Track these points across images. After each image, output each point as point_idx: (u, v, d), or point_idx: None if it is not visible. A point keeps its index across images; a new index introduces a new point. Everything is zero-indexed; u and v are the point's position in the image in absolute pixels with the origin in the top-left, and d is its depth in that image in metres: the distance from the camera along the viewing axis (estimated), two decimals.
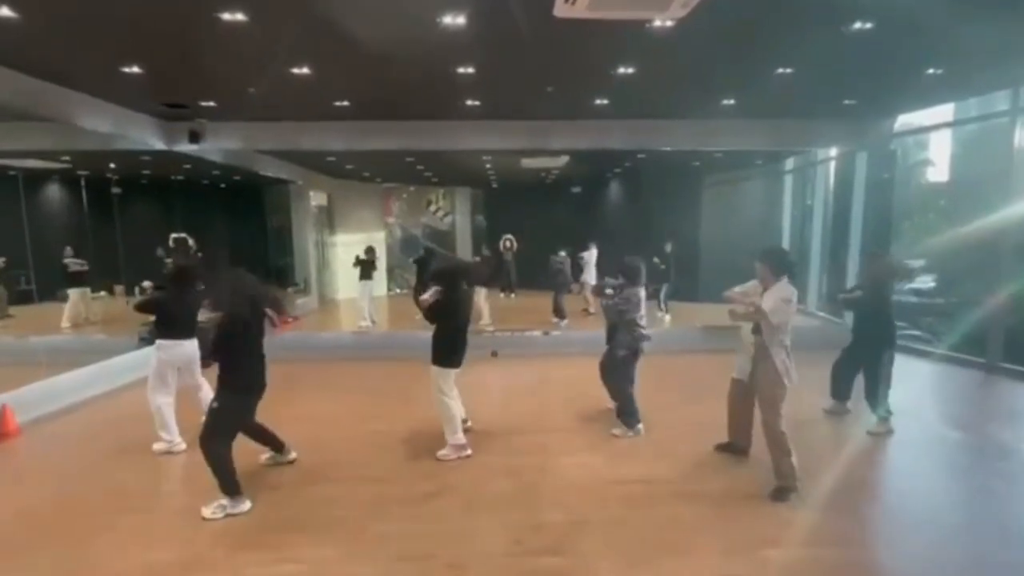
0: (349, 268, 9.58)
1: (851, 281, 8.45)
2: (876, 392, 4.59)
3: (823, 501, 3.43)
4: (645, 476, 3.79)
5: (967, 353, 6.75)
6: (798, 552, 2.90)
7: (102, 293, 11.17)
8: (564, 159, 10.15)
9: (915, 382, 6.01)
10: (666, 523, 3.19)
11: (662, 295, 9.42)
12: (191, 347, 4.41)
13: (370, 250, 9.43)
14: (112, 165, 9.90)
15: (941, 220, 12.62)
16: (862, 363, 4.74)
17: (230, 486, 3.32)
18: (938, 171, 13.70)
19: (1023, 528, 3.12)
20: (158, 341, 4.33)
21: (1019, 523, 3.18)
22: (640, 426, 4.57)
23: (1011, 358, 6.32)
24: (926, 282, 11.67)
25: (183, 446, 4.32)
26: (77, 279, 8.75)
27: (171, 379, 4.36)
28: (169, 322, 4.32)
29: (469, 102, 6.60)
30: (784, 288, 3.44)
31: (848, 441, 4.45)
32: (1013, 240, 6.45)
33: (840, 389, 4.99)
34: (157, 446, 4.31)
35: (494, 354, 7.28)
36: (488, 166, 11.35)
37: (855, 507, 3.43)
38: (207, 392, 4.51)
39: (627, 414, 4.59)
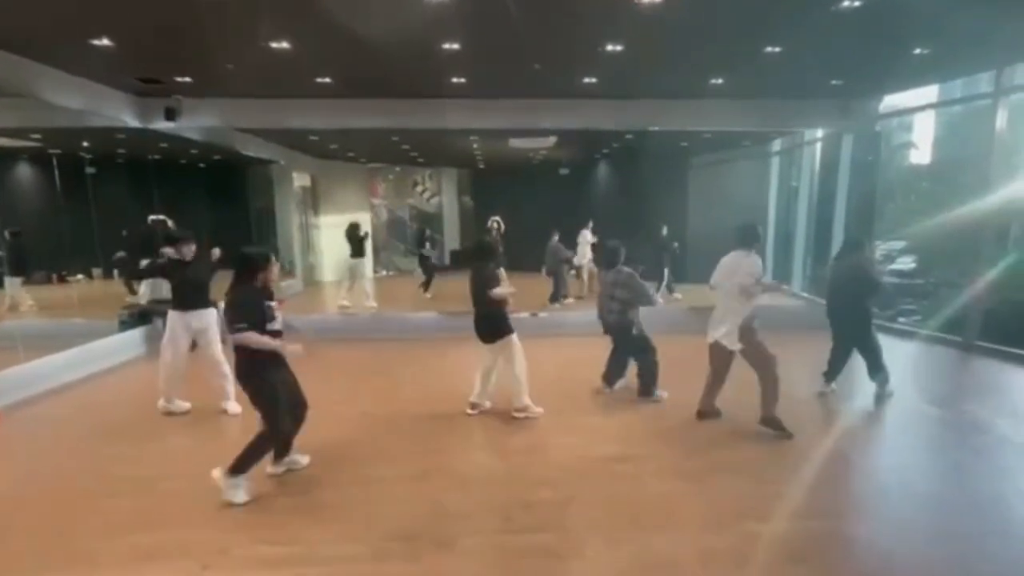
0: (334, 250, 9.43)
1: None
2: (880, 365, 4.81)
3: (806, 476, 3.52)
4: (632, 454, 3.84)
5: (945, 332, 6.91)
6: (780, 525, 2.97)
7: (79, 276, 10.90)
8: (552, 139, 10.06)
9: (894, 360, 6.11)
10: (653, 499, 3.25)
11: (665, 278, 9.55)
12: (198, 317, 4.59)
13: (354, 226, 9.24)
14: (85, 143, 9.58)
15: (923, 202, 12.80)
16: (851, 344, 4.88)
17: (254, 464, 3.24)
18: (921, 153, 13.86)
19: (991, 500, 3.23)
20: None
21: (988, 496, 3.29)
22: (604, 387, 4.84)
23: (987, 337, 6.49)
24: (907, 263, 11.89)
25: (170, 406, 4.64)
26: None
27: (172, 343, 4.54)
28: (174, 293, 4.55)
29: (455, 80, 6.48)
30: None
31: (832, 418, 4.56)
32: (993, 222, 6.55)
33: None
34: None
35: None
36: (475, 146, 11.22)
37: (836, 481, 3.52)
38: (224, 366, 4.62)
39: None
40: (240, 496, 3.20)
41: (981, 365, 6.13)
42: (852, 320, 4.79)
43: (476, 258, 4.54)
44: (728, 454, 3.82)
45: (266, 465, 3.58)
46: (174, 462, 3.85)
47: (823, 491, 3.34)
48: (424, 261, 10.67)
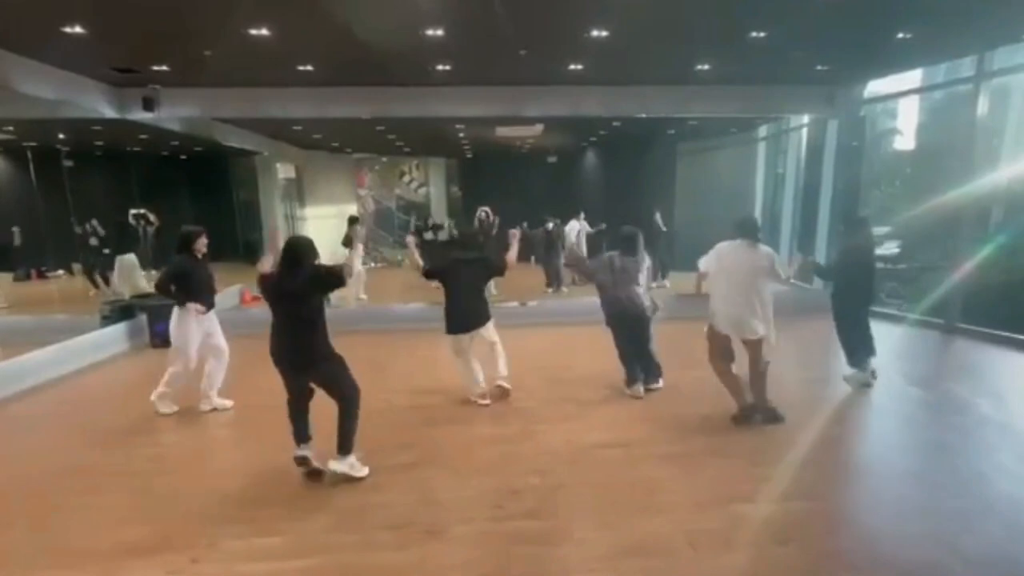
0: (321, 242, 9.38)
1: (820, 248, 8.63)
2: (870, 349, 4.86)
3: (792, 457, 3.56)
4: (621, 440, 3.86)
5: (928, 315, 7.01)
6: (768, 506, 3.01)
7: (60, 272, 10.70)
8: (539, 127, 10.00)
9: (879, 342, 6.25)
10: (641, 484, 3.27)
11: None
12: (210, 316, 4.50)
13: (353, 219, 9.26)
14: (61, 136, 9.35)
15: (907, 188, 12.92)
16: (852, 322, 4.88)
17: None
18: (905, 140, 13.96)
19: (973, 477, 3.30)
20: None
21: (970, 473, 3.36)
22: (637, 387, 4.65)
23: (969, 319, 6.60)
24: (890, 248, 12.03)
25: (161, 405, 4.45)
26: None
27: (185, 344, 4.35)
28: (188, 291, 4.31)
29: (440, 67, 6.39)
30: None
31: (817, 401, 4.61)
32: (975, 207, 6.63)
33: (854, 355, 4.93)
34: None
35: None
36: (462, 135, 11.12)
37: (822, 462, 3.56)
38: (226, 356, 4.56)
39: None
40: (364, 471, 3.36)
41: (963, 346, 6.24)
42: (861, 298, 4.79)
43: (470, 248, 4.58)
44: (715, 438, 3.85)
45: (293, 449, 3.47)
46: (161, 457, 3.80)
47: (809, 472, 3.38)
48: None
